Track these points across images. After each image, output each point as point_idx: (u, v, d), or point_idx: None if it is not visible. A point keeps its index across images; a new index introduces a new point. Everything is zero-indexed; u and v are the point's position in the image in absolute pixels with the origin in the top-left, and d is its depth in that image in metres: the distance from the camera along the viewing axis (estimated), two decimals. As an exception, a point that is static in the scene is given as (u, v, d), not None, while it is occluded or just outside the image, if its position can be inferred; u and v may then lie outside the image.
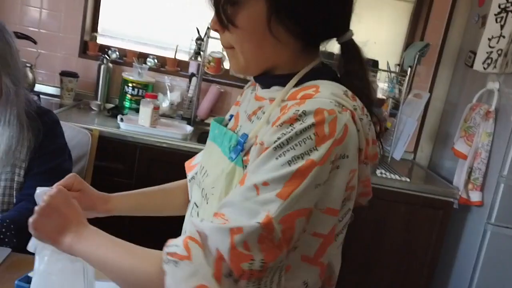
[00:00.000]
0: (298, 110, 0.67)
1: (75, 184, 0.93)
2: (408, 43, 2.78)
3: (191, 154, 2.09)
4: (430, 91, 2.75)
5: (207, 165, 0.87)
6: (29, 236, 1.29)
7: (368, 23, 2.80)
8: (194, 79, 2.55)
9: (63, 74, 2.52)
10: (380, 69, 2.68)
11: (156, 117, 2.27)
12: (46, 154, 1.38)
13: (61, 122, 1.52)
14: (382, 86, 2.75)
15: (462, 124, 2.35)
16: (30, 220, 0.78)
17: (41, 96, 2.43)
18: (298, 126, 0.65)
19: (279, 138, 0.66)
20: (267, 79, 0.81)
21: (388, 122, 2.65)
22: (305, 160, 0.64)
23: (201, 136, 2.31)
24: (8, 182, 1.35)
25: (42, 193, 0.83)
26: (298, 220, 0.64)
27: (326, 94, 0.69)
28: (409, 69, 2.49)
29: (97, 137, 1.93)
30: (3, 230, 1.19)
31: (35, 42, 2.40)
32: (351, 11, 0.77)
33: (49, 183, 1.34)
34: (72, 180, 0.92)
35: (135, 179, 2.17)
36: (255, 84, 0.90)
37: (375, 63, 2.70)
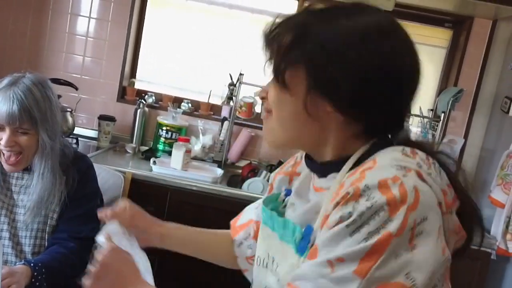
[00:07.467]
0: (360, 186, 0.63)
1: (128, 209, 0.94)
2: (441, 89, 2.76)
3: (220, 197, 2.15)
4: (465, 137, 2.69)
5: (273, 252, 0.82)
6: (60, 281, 1.32)
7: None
8: (226, 123, 2.61)
9: (101, 118, 2.62)
10: (412, 114, 2.66)
11: (187, 160, 2.31)
12: (79, 199, 1.42)
13: (96, 165, 1.57)
14: (415, 131, 2.72)
15: (499, 171, 2.27)
16: (87, 283, 0.78)
17: (79, 139, 2.54)
18: (364, 202, 0.62)
19: (350, 213, 0.63)
20: (321, 167, 0.77)
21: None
22: (381, 233, 0.60)
23: (231, 180, 2.33)
24: (41, 225, 1.39)
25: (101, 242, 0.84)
26: None
27: (385, 161, 0.67)
28: (443, 114, 2.46)
29: (130, 180, 1.98)
30: (35, 274, 1.22)
31: (76, 88, 2.52)
32: (409, 106, 0.74)
33: (81, 227, 1.39)
34: (124, 205, 0.94)
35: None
36: None
37: (407, 108, 2.69)
